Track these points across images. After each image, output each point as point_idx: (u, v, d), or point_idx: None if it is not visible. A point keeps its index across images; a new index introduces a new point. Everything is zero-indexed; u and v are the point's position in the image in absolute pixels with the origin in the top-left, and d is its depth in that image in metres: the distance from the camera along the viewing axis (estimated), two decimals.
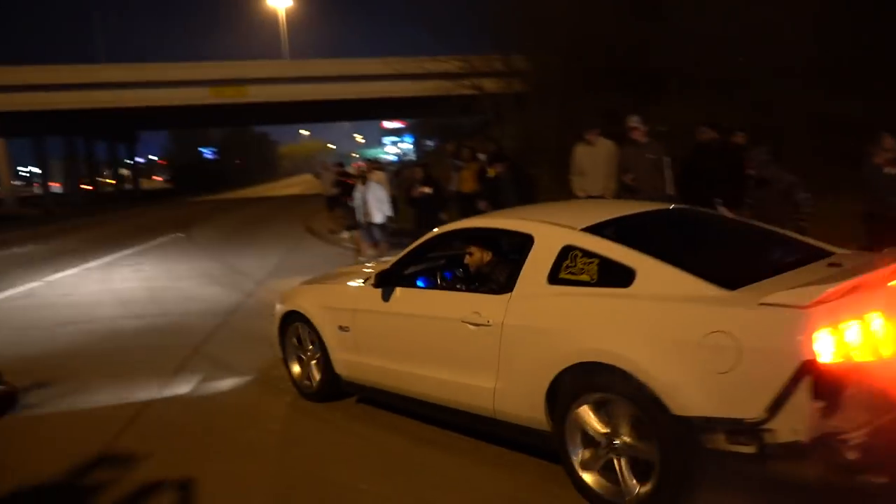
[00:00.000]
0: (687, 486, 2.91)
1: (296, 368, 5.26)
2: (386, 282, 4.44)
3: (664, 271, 3.20)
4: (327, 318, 4.85)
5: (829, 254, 3.65)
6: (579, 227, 3.64)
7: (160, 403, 5.27)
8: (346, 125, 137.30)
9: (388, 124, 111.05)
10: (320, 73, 36.74)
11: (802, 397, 2.61)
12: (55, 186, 58.42)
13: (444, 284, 4.75)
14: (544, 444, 3.54)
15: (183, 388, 5.57)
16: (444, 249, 4.99)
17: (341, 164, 18.60)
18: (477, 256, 4.41)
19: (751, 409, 2.71)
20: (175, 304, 9.15)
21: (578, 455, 3.33)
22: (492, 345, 3.65)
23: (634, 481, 3.12)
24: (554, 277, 3.53)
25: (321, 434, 4.53)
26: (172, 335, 7.41)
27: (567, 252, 3.52)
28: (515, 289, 3.67)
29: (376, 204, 10.58)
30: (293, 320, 5.18)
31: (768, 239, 3.99)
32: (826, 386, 2.61)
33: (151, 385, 5.65)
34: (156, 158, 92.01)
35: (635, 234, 3.62)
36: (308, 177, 74.78)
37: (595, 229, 3.62)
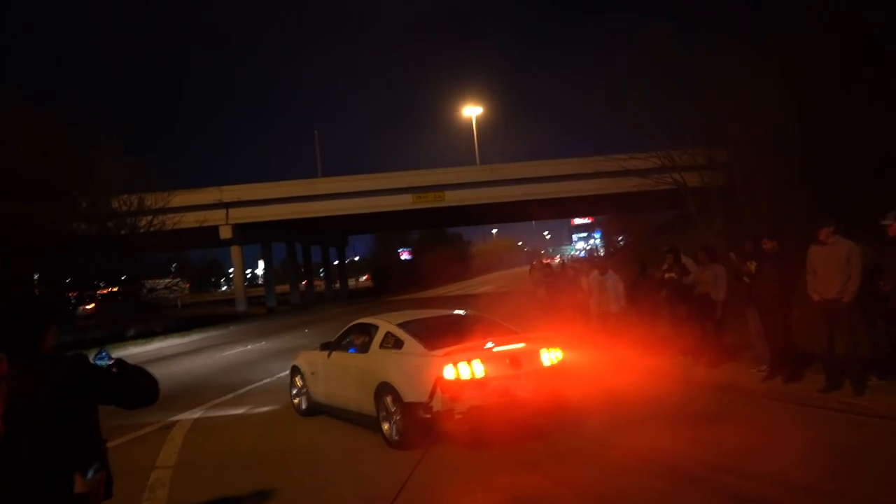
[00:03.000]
0: (412, 432, 6.99)
1: (296, 400, 9.60)
2: (327, 347, 9.00)
3: (410, 342, 7.55)
4: (307, 369, 9.32)
5: (510, 333, 7.85)
6: (395, 323, 8.14)
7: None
8: (533, 224, 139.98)
9: (577, 221, 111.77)
10: (513, 176, 38.04)
11: (439, 392, 6.75)
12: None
13: (352, 349, 8.59)
14: (373, 422, 7.61)
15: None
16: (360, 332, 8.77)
17: (548, 262, 18.70)
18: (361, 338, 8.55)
19: (425, 397, 6.84)
20: None
21: (382, 419, 7.42)
22: (359, 377, 7.99)
23: (394, 429, 7.23)
24: (380, 345, 7.95)
25: (308, 427, 8.93)
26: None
27: (387, 334, 7.96)
28: (369, 351, 8.07)
29: (615, 297, 11.56)
30: (295, 371, 9.68)
31: (483, 328, 7.93)
32: (447, 388, 6.74)
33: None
34: (357, 258, 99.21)
35: (414, 326, 8.01)
36: (499, 274, 76.61)
37: (400, 325, 8.05)
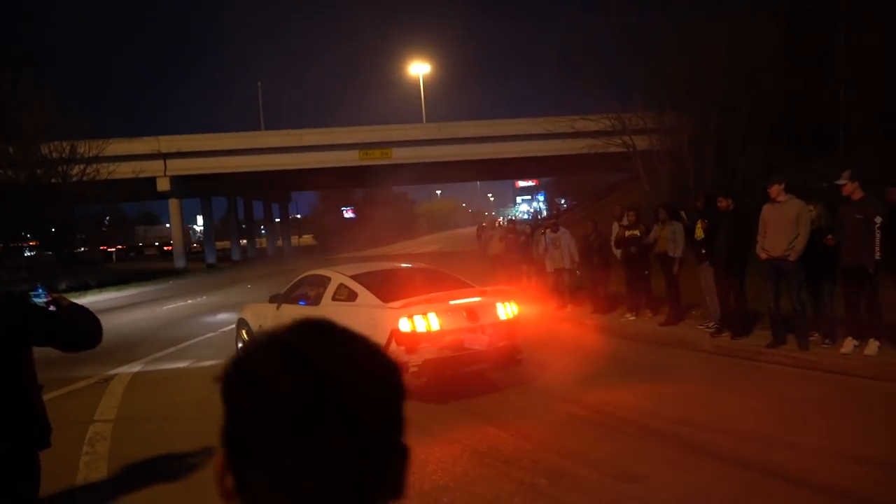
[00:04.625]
0: None
1: None
2: (276, 300, 8.71)
3: (365, 294, 7.30)
4: (255, 322, 9.01)
5: (466, 286, 7.55)
6: (348, 275, 7.88)
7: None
8: (478, 185, 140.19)
9: (521, 183, 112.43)
10: (461, 135, 37.71)
11: (394, 344, 6.50)
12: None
13: (302, 301, 8.30)
14: None
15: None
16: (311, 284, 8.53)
17: (513, 220, 18.67)
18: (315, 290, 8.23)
19: None
20: None
21: None
22: None
23: None
24: (332, 298, 7.67)
25: None
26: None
27: (340, 285, 7.72)
28: (321, 304, 7.74)
29: (568, 252, 11.63)
30: (241, 325, 9.46)
31: (439, 281, 7.78)
32: (402, 340, 6.55)
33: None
34: (299, 216, 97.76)
35: (369, 278, 7.74)
36: (444, 234, 76.62)
37: (354, 276, 7.78)
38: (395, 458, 0.74)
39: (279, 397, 0.69)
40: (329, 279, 8.00)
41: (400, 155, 38.65)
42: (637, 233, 10.06)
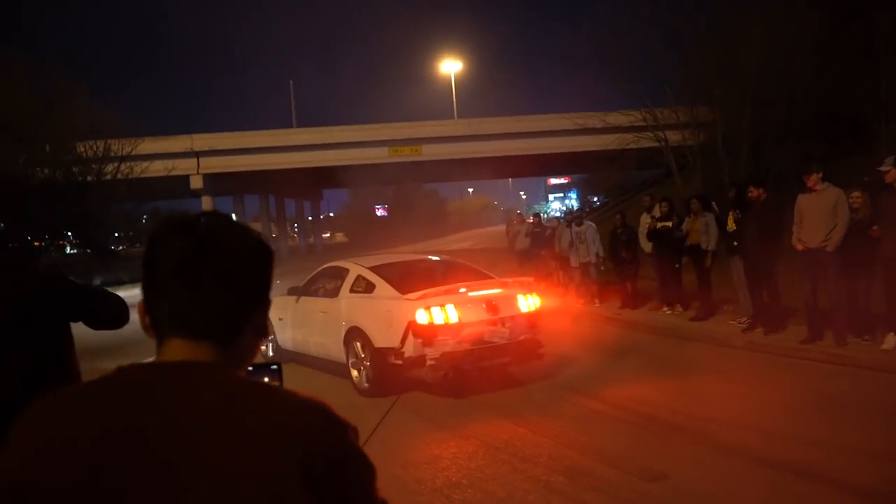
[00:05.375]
0: (382, 379, 6.80)
1: (263, 347, 8.75)
2: (295, 292, 8.60)
3: (383, 285, 7.16)
4: (274, 314, 8.41)
5: (486, 278, 7.47)
6: (366, 266, 7.71)
7: None
8: (510, 182, 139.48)
9: (553, 181, 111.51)
10: (491, 131, 37.44)
11: (411, 337, 6.45)
12: None
13: (320, 294, 8.19)
14: (342, 369, 7.39)
15: None
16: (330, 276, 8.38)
17: (538, 215, 18.51)
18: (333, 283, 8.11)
19: (397, 342, 6.57)
20: None
21: (352, 365, 7.22)
22: (328, 322, 7.67)
23: (364, 376, 7.02)
24: (350, 289, 7.56)
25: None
26: None
27: (358, 277, 7.56)
28: (339, 295, 7.66)
29: (594, 246, 11.48)
30: None
31: (458, 272, 7.69)
32: (419, 332, 6.45)
33: None
34: (332, 214, 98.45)
35: (387, 269, 7.58)
36: (475, 232, 76.30)
37: (372, 268, 7.62)
38: (259, 305, 1.07)
39: (170, 250, 1.01)
40: (347, 271, 7.88)
41: (430, 152, 38.53)
42: (669, 224, 9.74)
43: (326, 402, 1.04)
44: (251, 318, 1.04)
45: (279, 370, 1.35)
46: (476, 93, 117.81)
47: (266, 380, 1.33)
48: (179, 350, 1.00)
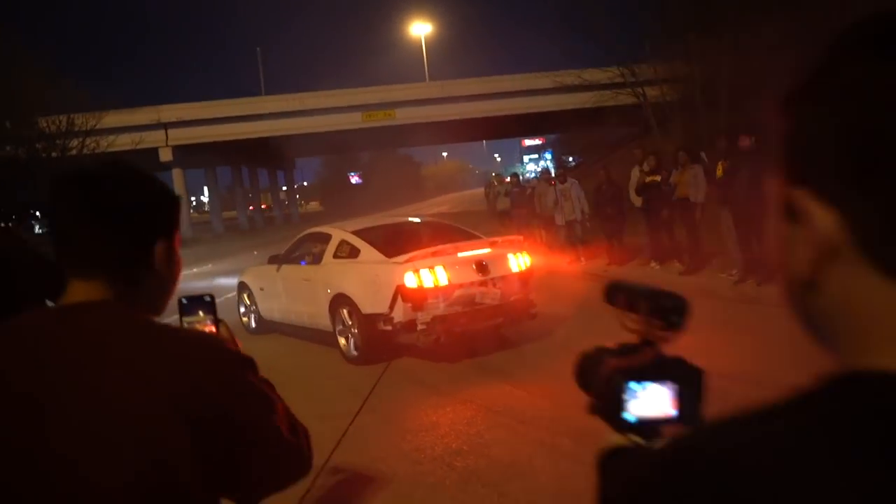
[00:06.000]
0: (372, 346, 6.63)
1: (244, 318, 9.02)
2: (275, 261, 8.32)
3: (368, 249, 6.90)
4: (255, 284, 8.71)
5: (474, 238, 7.19)
6: (349, 230, 7.45)
7: None
8: (484, 146, 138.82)
9: (528, 142, 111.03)
10: (464, 93, 36.92)
11: (400, 301, 6.23)
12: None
13: (304, 261, 7.95)
14: (329, 337, 7.18)
15: None
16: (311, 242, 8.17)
17: (517, 175, 18.37)
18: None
19: (385, 308, 6.35)
20: None
21: (339, 333, 6.99)
22: (312, 290, 7.40)
23: (352, 344, 6.83)
24: (333, 255, 7.26)
25: (258, 346, 7.89)
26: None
27: (341, 242, 7.27)
28: (322, 262, 7.40)
29: (577, 203, 11.34)
30: (242, 288, 9.07)
31: (445, 233, 7.46)
32: (409, 296, 6.22)
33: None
34: (305, 183, 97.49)
35: (371, 233, 7.29)
36: (452, 196, 75.98)
37: (355, 232, 7.36)
38: (151, 242, 1.08)
39: (64, 195, 1.06)
40: (330, 236, 7.61)
41: (403, 115, 37.97)
42: (658, 178, 9.57)
43: (219, 338, 1.12)
44: (145, 255, 1.06)
45: (212, 302, 1.30)
46: (449, 55, 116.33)
47: (200, 313, 1.29)
48: (78, 291, 1.03)
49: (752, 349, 5.88)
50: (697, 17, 17.65)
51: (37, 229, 41.28)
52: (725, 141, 8.35)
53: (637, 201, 10.18)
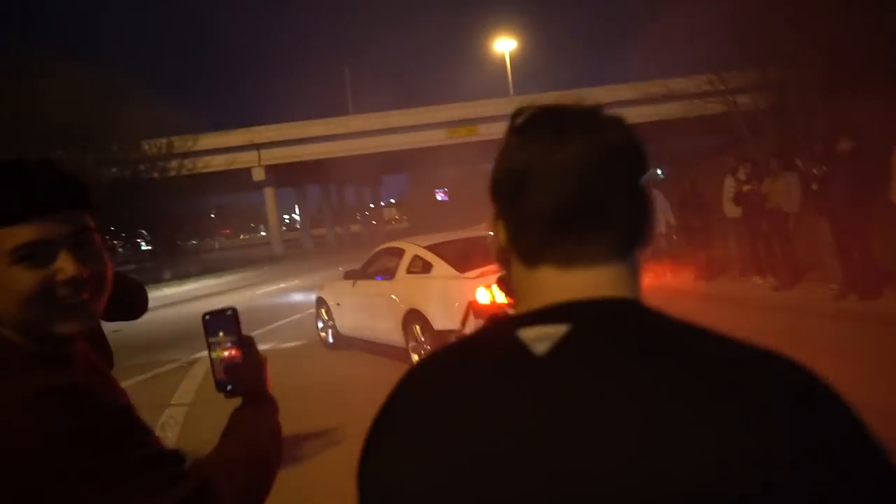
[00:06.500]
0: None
1: (322, 333, 9.13)
2: (351, 276, 8.36)
3: (440, 264, 6.91)
4: (332, 300, 8.72)
5: None
6: (422, 245, 7.42)
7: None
8: None
9: None
10: None
11: (472, 317, 6.10)
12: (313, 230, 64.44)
13: (378, 276, 7.89)
14: (401, 353, 7.16)
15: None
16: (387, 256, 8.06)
17: None
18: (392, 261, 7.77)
19: (457, 324, 6.19)
20: None
21: (411, 349, 6.92)
22: (385, 305, 7.36)
23: None
24: (407, 270, 7.29)
25: (333, 362, 8.41)
26: None
27: (414, 257, 7.30)
28: (395, 277, 7.41)
29: (662, 215, 10.93)
30: (320, 303, 9.11)
31: None
32: (481, 312, 6.03)
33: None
34: (393, 201, 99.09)
35: (444, 248, 7.25)
36: None
37: (428, 247, 7.32)
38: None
39: None
40: (403, 251, 7.56)
41: (486, 131, 37.96)
42: (753, 187, 9.03)
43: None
44: None
45: (234, 317, 1.20)
46: (531, 71, 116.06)
47: (221, 333, 1.18)
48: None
49: (864, 374, 5.36)
50: (788, 16, 16.73)
51: (143, 246, 43.69)
52: (823, 145, 7.77)
53: (734, 212, 9.61)
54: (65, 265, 0.98)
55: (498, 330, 0.70)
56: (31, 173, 1.00)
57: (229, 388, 1.21)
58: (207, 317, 1.19)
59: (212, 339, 1.20)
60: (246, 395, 1.22)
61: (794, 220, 8.48)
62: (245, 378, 1.22)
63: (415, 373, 0.77)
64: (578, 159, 0.70)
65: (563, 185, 0.69)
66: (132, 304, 2.44)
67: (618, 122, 0.78)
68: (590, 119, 0.75)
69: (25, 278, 0.96)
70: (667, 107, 22.68)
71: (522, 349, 0.64)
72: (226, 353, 1.20)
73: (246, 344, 1.21)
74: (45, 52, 27.69)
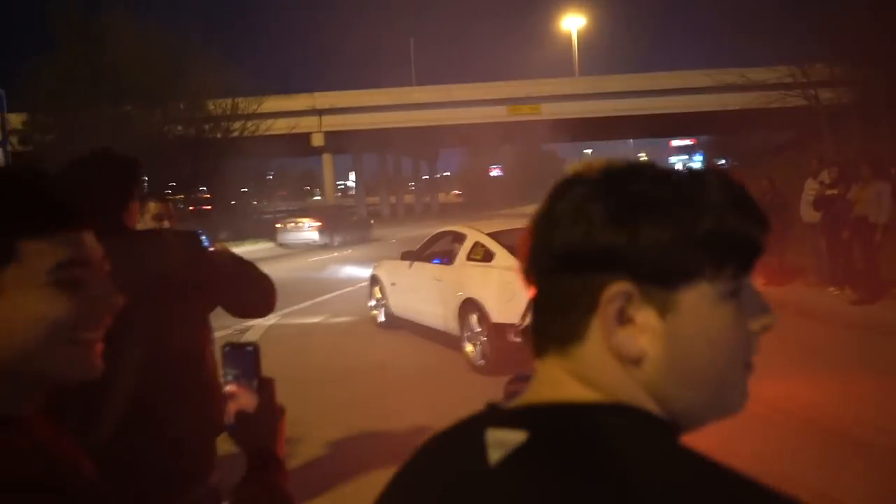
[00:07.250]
0: (500, 356, 6.22)
1: (374, 312, 8.97)
2: (409, 257, 8.08)
3: (503, 254, 6.54)
4: (387, 279, 8.54)
5: None
6: (485, 232, 7.14)
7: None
8: (630, 143, 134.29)
9: (676, 143, 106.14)
10: (613, 89, 35.66)
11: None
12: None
13: (437, 260, 7.74)
14: (455, 341, 7.03)
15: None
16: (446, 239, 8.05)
17: None
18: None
19: (517, 318, 5.46)
20: None
21: (466, 339, 6.76)
22: (442, 291, 7.23)
23: (479, 351, 6.58)
24: (467, 257, 7.08)
25: (384, 342, 8.23)
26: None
27: (475, 244, 7.05)
28: (455, 263, 7.25)
29: None
30: (374, 281, 8.99)
31: None
32: None
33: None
34: (448, 173, 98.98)
35: (508, 236, 6.75)
36: None
37: (491, 234, 7.04)
38: None
39: None
40: (465, 237, 7.35)
41: (549, 111, 37.33)
42: (838, 192, 8.54)
43: None
44: None
45: (255, 356, 1.07)
46: (598, 52, 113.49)
47: (238, 371, 1.06)
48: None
49: None
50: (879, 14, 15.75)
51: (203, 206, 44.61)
52: None
53: (813, 217, 9.11)
54: (110, 294, 0.80)
55: (479, 422, 0.65)
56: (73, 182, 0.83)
57: (235, 435, 1.07)
58: (227, 348, 1.06)
59: (230, 372, 1.06)
60: (251, 455, 1.04)
61: (882, 232, 7.95)
62: (255, 432, 1.04)
63: (401, 472, 0.72)
64: None
65: None
66: (266, 298, 2.06)
67: None
68: None
69: (61, 304, 0.75)
70: (744, 96, 21.69)
71: (480, 456, 0.61)
72: (240, 398, 1.05)
73: (264, 389, 1.05)
74: (119, 11, 28.22)
